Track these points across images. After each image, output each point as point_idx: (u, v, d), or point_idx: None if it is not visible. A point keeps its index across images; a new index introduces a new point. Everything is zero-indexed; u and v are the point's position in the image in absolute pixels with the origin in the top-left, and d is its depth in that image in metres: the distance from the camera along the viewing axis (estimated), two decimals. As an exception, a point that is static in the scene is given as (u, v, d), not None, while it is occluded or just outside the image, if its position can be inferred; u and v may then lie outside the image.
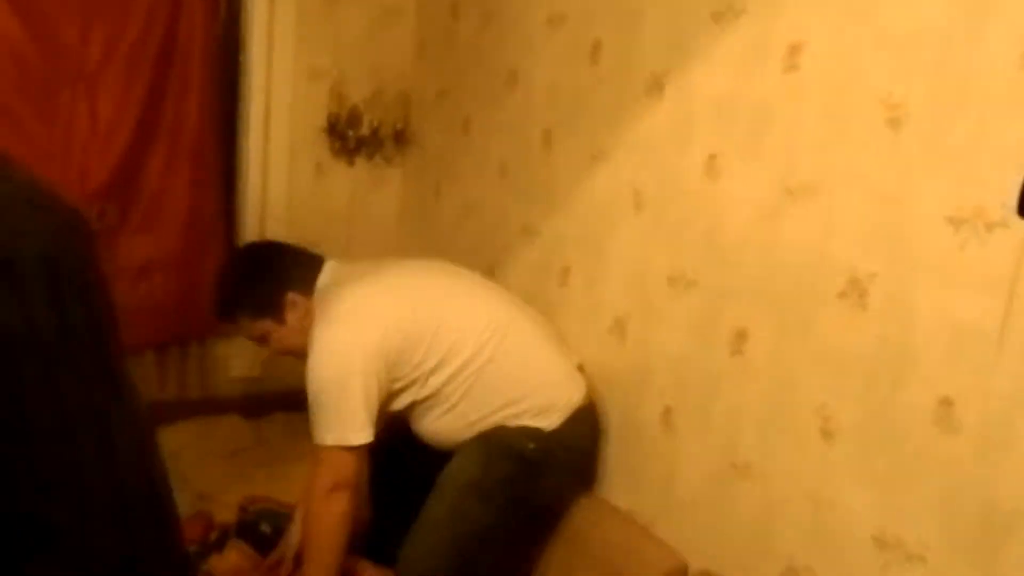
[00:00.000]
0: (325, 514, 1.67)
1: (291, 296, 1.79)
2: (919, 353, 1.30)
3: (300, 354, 1.74)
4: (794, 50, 1.48)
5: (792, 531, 1.51)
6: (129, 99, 2.17)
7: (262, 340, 1.86)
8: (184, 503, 2.04)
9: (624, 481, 1.88)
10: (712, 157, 1.65)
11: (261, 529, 1.97)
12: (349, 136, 2.60)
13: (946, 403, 1.26)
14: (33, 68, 2.06)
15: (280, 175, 2.55)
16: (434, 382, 1.75)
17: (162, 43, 2.19)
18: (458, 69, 2.48)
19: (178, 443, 2.36)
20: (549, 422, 1.77)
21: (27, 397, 0.57)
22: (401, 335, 1.70)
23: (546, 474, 1.78)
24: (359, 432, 1.67)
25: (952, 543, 1.26)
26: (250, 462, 2.35)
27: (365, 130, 2.61)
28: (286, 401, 2.63)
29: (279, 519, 1.99)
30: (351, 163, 2.66)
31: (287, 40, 2.46)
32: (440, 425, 1.80)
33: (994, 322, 1.21)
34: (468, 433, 1.77)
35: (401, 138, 2.66)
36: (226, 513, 2.06)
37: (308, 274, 1.82)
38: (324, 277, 1.81)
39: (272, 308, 1.80)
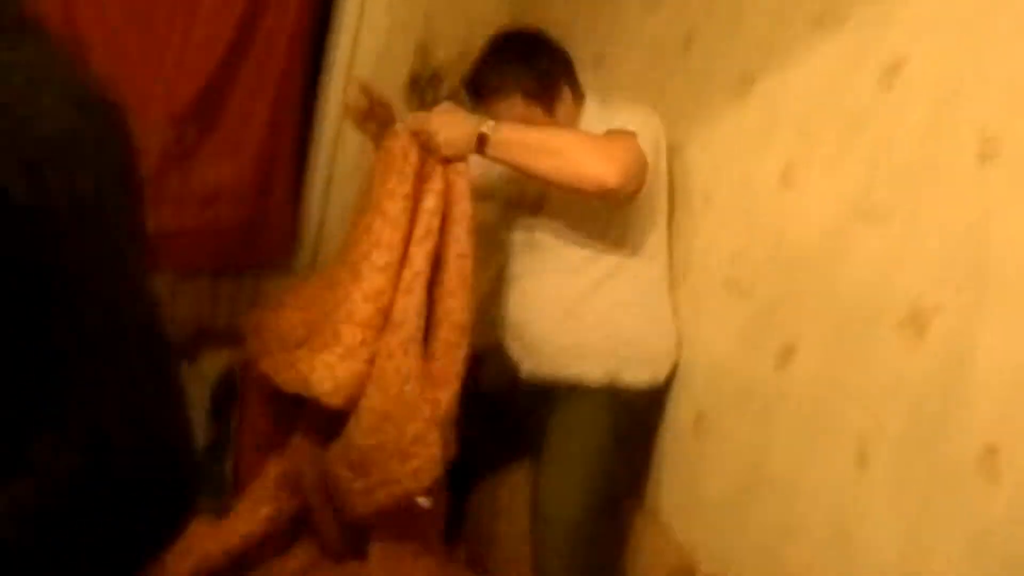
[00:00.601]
0: (592, 159, 1.55)
1: (566, 89, 1.75)
2: (973, 396, 1.26)
3: None
4: (894, 67, 1.43)
5: (809, 551, 1.49)
6: (224, 23, 2.20)
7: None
8: None
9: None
10: (789, 165, 1.62)
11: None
12: (428, 97, 2.61)
13: (991, 451, 1.22)
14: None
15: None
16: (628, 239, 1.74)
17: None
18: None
19: (222, 366, 2.43)
20: (660, 377, 1.77)
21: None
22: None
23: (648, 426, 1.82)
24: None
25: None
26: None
27: (445, 92, 2.61)
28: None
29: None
30: (426, 122, 2.67)
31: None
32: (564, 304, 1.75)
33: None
34: (578, 346, 1.74)
35: (476, 111, 2.66)
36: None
37: (576, 78, 1.79)
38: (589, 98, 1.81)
39: (547, 95, 1.72)
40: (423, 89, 2.59)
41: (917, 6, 1.41)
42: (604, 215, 1.70)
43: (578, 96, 1.78)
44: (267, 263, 2.55)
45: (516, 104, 1.69)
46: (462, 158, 1.63)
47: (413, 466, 1.63)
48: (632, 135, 1.60)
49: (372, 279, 1.62)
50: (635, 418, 1.77)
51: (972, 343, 1.26)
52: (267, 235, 2.48)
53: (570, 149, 1.55)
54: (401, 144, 1.65)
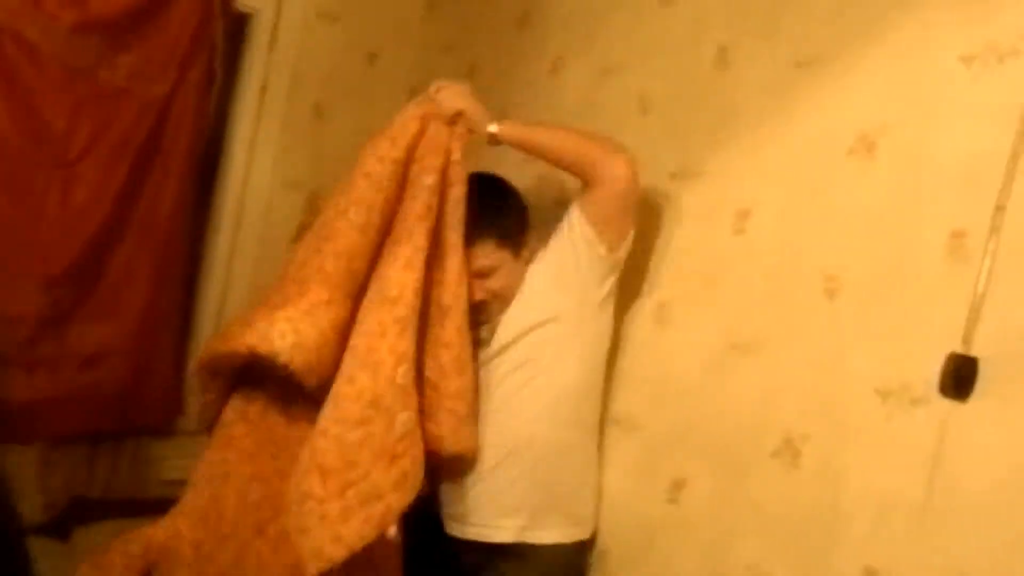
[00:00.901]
0: (594, 143, 1.61)
1: (529, 235, 1.74)
2: (848, 519, 1.32)
3: (508, 299, 1.67)
4: (742, 215, 1.57)
5: None
6: (104, 190, 2.19)
7: (486, 274, 1.66)
8: None
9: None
10: (662, 305, 1.71)
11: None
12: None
13: (871, 573, 1.28)
14: (13, 151, 2.09)
15: (242, 280, 2.56)
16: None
17: (146, 141, 2.24)
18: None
19: (96, 543, 2.26)
20: (585, 533, 1.72)
21: None
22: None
23: None
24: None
25: None
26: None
27: (335, 242, 2.66)
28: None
29: None
30: (317, 272, 2.69)
31: (269, 149, 2.54)
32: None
33: (918, 494, 1.25)
34: (514, 507, 1.63)
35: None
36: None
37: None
38: None
39: (515, 241, 1.69)
40: (312, 241, 2.62)
41: (759, 160, 1.57)
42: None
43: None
44: (150, 426, 2.43)
45: (488, 247, 1.65)
46: (467, 125, 1.62)
47: (398, 471, 1.42)
48: None
49: (348, 236, 1.51)
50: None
51: (841, 468, 1.35)
52: (150, 396, 2.38)
53: (582, 133, 1.64)
54: (405, 115, 1.64)
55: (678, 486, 1.61)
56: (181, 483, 2.54)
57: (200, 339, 2.54)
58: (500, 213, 1.69)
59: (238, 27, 2.46)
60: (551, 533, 1.65)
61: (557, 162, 1.65)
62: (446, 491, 1.70)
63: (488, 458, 1.63)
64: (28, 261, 2.13)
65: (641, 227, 1.79)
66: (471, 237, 1.62)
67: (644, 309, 1.75)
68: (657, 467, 1.66)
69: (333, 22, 2.61)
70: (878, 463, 1.29)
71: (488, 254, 1.64)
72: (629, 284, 1.79)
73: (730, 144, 1.63)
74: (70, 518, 2.30)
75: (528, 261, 1.71)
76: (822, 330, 1.40)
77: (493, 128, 1.62)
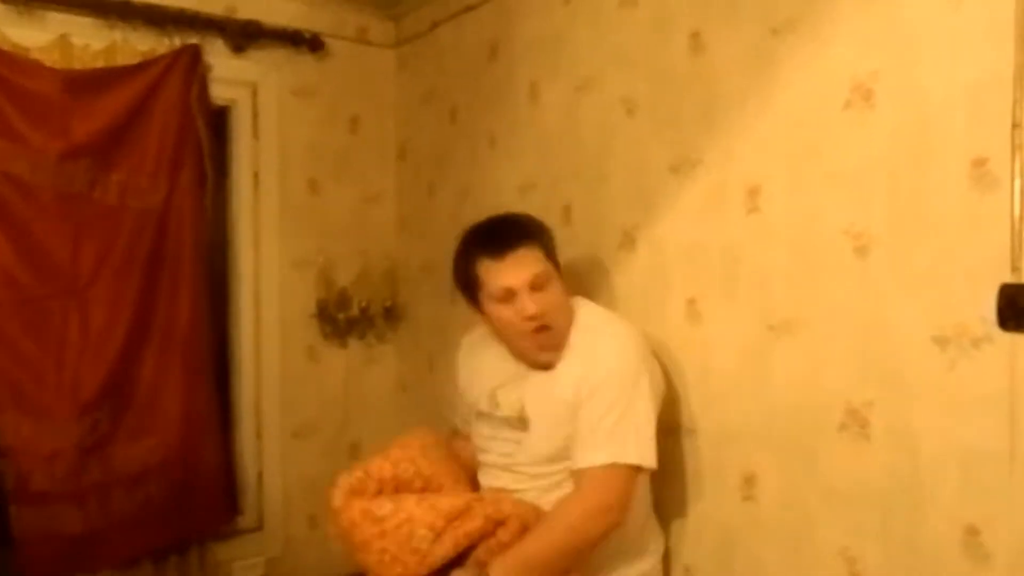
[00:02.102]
0: (584, 529, 1.45)
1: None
2: (933, 481, 1.25)
3: (557, 324, 1.55)
4: (753, 192, 1.53)
5: None
6: (120, 307, 2.21)
7: (540, 284, 1.54)
8: None
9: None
10: (691, 302, 1.66)
11: None
12: (339, 319, 2.63)
13: (972, 532, 1.20)
14: (25, 289, 2.11)
15: (272, 364, 2.56)
16: None
17: (151, 251, 2.26)
18: (439, 241, 2.55)
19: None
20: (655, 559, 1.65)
21: None
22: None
23: None
24: (648, 451, 1.48)
25: None
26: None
27: (355, 311, 2.65)
28: (294, 599, 2.53)
29: None
30: (343, 344, 2.68)
31: (272, 233, 2.54)
32: None
33: (1002, 442, 1.17)
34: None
35: (391, 314, 2.70)
36: None
37: None
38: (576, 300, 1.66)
39: (555, 259, 1.61)
40: (333, 314, 2.62)
41: (756, 135, 1.53)
42: None
43: None
44: (210, 531, 2.41)
45: (538, 254, 1.56)
46: None
47: None
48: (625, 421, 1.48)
49: None
50: None
51: (913, 430, 1.27)
52: (204, 502, 2.36)
53: (571, 532, 1.46)
54: None
55: (750, 482, 1.54)
56: (253, 582, 2.53)
57: (242, 433, 2.52)
58: (539, 230, 1.61)
59: (220, 121, 2.49)
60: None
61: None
62: None
63: None
64: (58, 393, 2.13)
65: (653, 228, 1.75)
66: (523, 245, 1.55)
67: (674, 310, 1.70)
68: (723, 467, 1.60)
69: (310, 96, 2.63)
70: (952, 416, 1.22)
71: (538, 261, 1.55)
72: (654, 289, 1.75)
73: (724, 125, 1.59)
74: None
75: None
76: (860, 290, 1.34)
77: None
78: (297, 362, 2.60)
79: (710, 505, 1.63)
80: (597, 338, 1.55)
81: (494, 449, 1.65)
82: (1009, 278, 1.14)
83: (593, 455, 1.46)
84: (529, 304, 1.51)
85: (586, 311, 1.62)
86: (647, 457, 1.47)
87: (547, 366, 1.57)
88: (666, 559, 1.68)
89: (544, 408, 1.56)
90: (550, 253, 1.60)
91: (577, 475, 1.48)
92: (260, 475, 2.55)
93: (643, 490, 1.59)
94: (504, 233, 1.57)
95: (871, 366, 1.33)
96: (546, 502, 1.54)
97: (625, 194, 1.83)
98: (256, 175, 2.52)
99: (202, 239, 2.37)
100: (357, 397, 2.71)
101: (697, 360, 1.65)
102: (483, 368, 1.70)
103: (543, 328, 1.53)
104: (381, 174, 2.77)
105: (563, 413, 1.52)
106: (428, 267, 2.62)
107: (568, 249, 1.99)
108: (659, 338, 1.74)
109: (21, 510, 2.09)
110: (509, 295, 1.52)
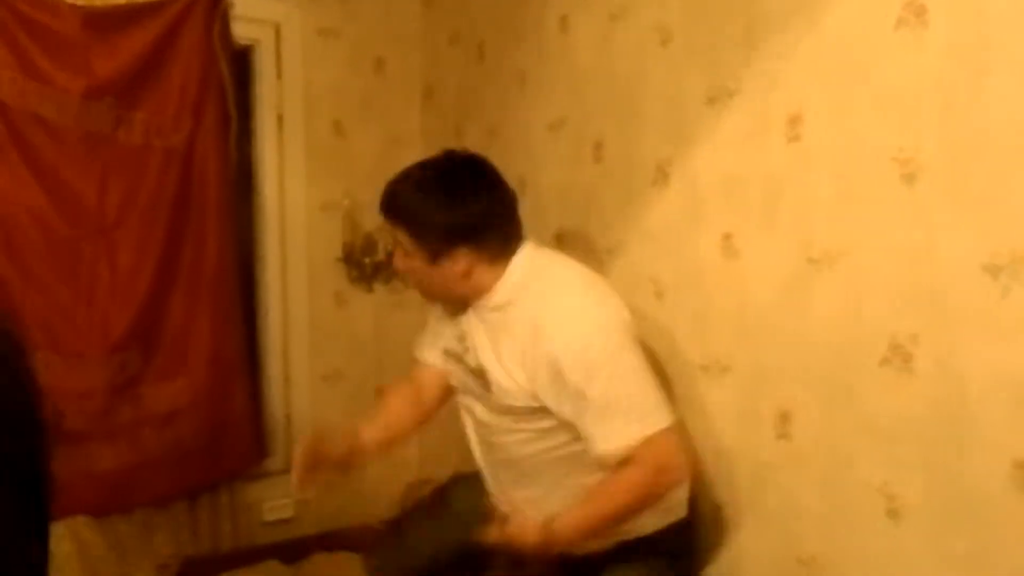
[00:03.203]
0: (646, 494, 1.40)
1: (463, 250, 1.44)
2: (980, 414, 1.20)
3: (424, 290, 1.55)
4: (794, 121, 1.46)
5: (874, 628, 1.37)
6: (148, 248, 2.20)
7: (401, 259, 1.52)
8: None
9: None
10: (727, 236, 1.61)
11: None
12: (366, 263, 2.61)
13: (1020, 466, 1.16)
14: (55, 231, 2.11)
15: (300, 308, 2.55)
16: None
17: (177, 192, 2.25)
18: (466, 185, 2.51)
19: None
20: (681, 512, 1.59)
21: None
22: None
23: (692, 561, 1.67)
24: (661, 410, 1.40)
25: (1056, 624, 1.13)
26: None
27: (381, 255, 2.62)
28: (325, 542, 2.55)
29: None
30: (370, 289, 2.67)
31: (298, 176, 2.52)
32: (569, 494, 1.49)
33: (1055, 371, 1.12)
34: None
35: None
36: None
37: (499, 242, 1.48)
38: (521, 257, 1.49)
39: (432, 246, 1.45)
40: (359, 258, 2.60)
41: (798, 60, 1.46)
42: None
43: (497, 257, 1.48)
44: (240, 472, 2.43)
45: (399, 235, 1.49)
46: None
47: None
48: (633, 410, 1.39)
49: None
50: (670, 556, 1.59)
51: (961, 362, 1.22)
52: (233, 443, 2.38)
53: (631, 496, 1.41)
54: None
55: (785, 419, 1.51)
56: (281, 523, 2.56)
57: (270, 377, 2.53)
58: (415, 207, 1.46)
59: (243, 62, 2.45)
60: (645, 525, 1.53)
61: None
62: None
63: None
64: (88, 333, 2.14)
65: (688, 162, 1.70)
66: (389, 220, 1.51)
67: (710, 245, 1.65)
68: (758, 405, 1.56)
69: (335, 37, 2.58)
70: (1003, 346, 1.17)
71: (398, 240, 1.50)
72: (689, 223, 1.70)
73: (763, 51, 1.52)
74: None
75: (496, 264, 1.48)
76: (907, 218, 1.28)
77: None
78: (325, 306, 2.59)
79: (743, 443, 1.60)
80: (548, 313, 1.42)
81: (469, 391, 1.59)
82: (1070, 199, 1.08)
83: (625, 433, 1.37)
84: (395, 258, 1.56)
85: (556, 276, 1.49)
86: (663, 414, 1.41)
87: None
88: (697, 498, 1.65)
89: (499, 376, 1.48)
90: (422, 235, 1.45)
91: (615, 458, 1.39)
92: (288, 418, 2.57)
93: None
94: (388, 195, 1.51)
95: (917, 298, 1.28)
96: (535, 449, 1.51)
97: (659, 128, 1.77)
98: (280, 117, 2.49)
99: (227, 181, 2.35)
100: (384, 342, 2.70)
101: (733, 296, 1.61)
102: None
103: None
104: (407, 116, 2.72)
105: (516, 390, 1.45)
106: (455, 211, 2.58)
107: (600, 186, 1.96)
108: (692, 275, 1.70)
109: (55, 448, 2.12)
110: None
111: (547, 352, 1.39)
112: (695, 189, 1.68)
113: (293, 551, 2.49)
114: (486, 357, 1.50)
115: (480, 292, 1.49)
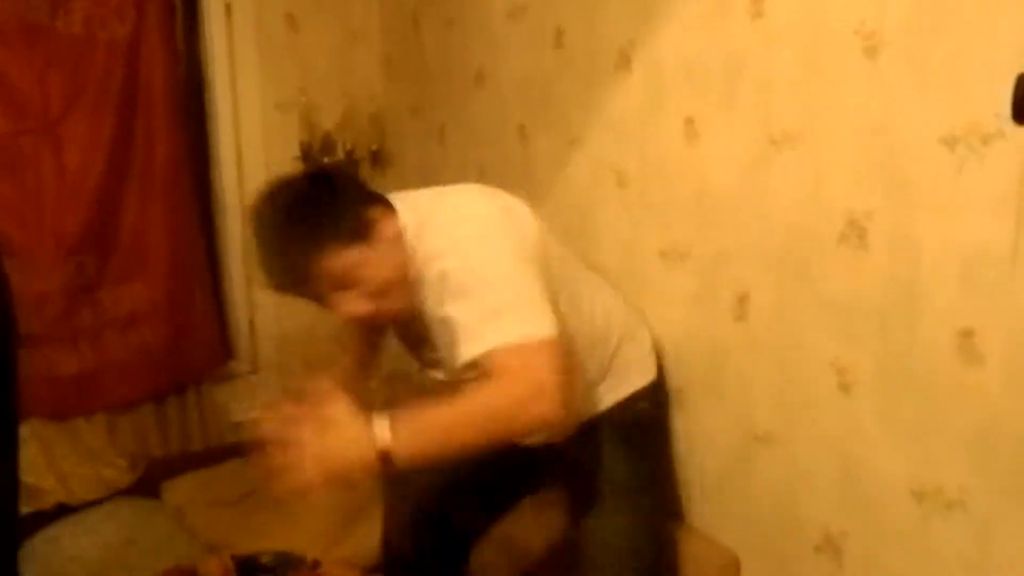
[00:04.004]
0: (508, 416, 1.16)
1: (372, 211, 1.29)
2: (931, 287, 1.22)
3: (399, 289, 1.31)
4: (757, -5, 1.43)
5: (823, 498, 1.43)
6: (95, 146, 2.13)
7: (348, 283, 1.27)
8: (193, 557, 1.97)
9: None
10: (689, 121, 1.59)
11: (262, 561, 1.87)
12: (324, 163, 2.55)
13: (966, 334, 1.19)
14: (-6, 125, 2.03)
15: (259, 209, 2.50)
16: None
17: (123, 87, 2.16)
18: (427, 80, 2.45)
19: (184, 495, 2.30)
20: (650, 374, 1.58)
21: None
22: (540, 250, 1.31)
23: (663, 424, 1.68)
24: (543, 322, 1.18)
25: (991, 482, 1.18)
26: (259, 505, 2.27)
27: (340, 155, 2.57)
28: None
29: (283, 557, 1.90)
30: (331, 190, 2.61)
31: (250, 73, 2.43)
32: None
33: (1005, 242, 1.14)
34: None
35: (377, 158, 2.62)
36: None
37: (375, 193, 1.35)
38: (401, 204, 1.35)
39: (358, 230, 1.27)
40: (318, 158, 2.54)
41: (762, -67, 1.41)
42: None
43: (388, 207, 1.34)
44: (205, 374, 2.43)
45: (337, 261, 1.24)
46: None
47: None
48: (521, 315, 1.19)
49: None
50: (646, 425, 1.58)
51: (915, 236, 1.24)
52: (196, 345, 2.37)
53: (488, 408, 1.17)
54: None
55: (742, 301, 1.53)
56: (250, 424, 2.58)
57: (231, 280, 2.50)
58: (316, 223, 1.25)
59: (185, -53, 2.32)
60: (615, 395, 1.54)
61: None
62: None
63: None
64: (39, 234, 2.09)
65: (650, 45, 1.66)
66: (310, 275, 1.24)
67: (670, 131, 1.63)
68: (716, 289, 1.58)
69: (283, -78, 2.44)
70: (955, 219, 1.18)
71: (334, 268, 1.25)
72: (652, 110, 1.67)
73: (728, -75, 1.47)
74: (154, 478, 2.34)
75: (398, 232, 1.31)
76: (869, 94, 1.27)
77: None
78: (284, 207, 2.54)
79: (701, 327, 1.62)
80: (451, 243, 1.28)
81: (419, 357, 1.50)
82: (1028, 67, 1.07)
83: (496, 336, 1.17)
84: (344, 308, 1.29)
85: (453, 212, 1.34)
86: (547, 323, 1.19)
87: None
88: (656, 383, 1.68)
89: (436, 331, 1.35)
90: (344, 232, 1.25)
91: (482, 364, 1.18)
92: (252, 321, 2.55)
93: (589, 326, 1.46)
94: (278, 270, 1.26)
95: (875, 174, 1.28)
96: None
97: (621, 10, 1.72)
98: (228, 7, 2.37)
99: (176, 76, 2.26)
100: (347, 243, 2.67)
101: (694, 182, 1.60)
102: None
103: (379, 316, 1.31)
104: (363, 9, 2.61)
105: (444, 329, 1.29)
106: (416, 109, 2.52)
107: (561, 75, 1.91)
108: (654, 162, 1.68)
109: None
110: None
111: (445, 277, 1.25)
112: (658, 73, 1.65)
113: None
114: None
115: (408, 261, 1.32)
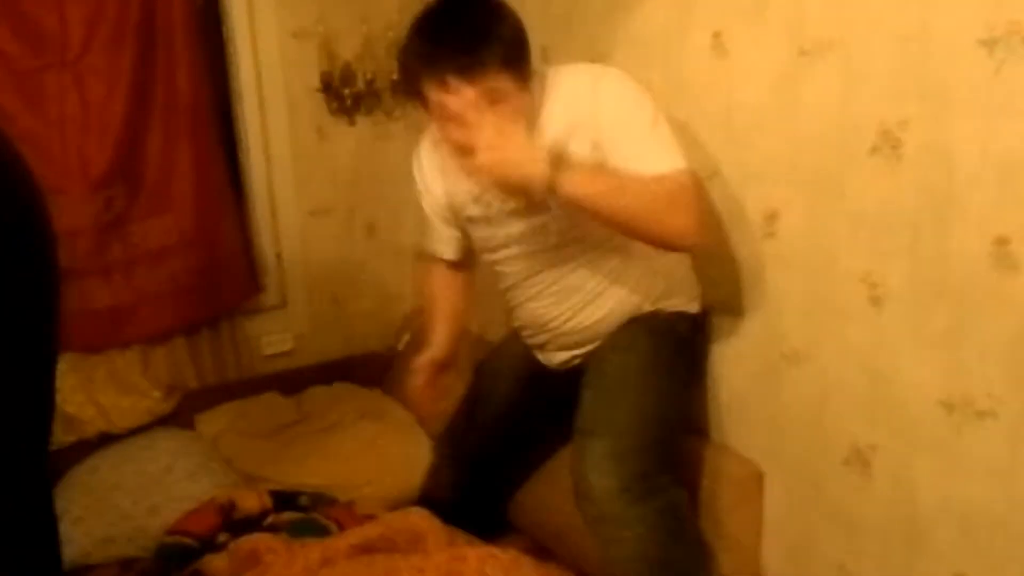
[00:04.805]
0: (663, 215, 1.31)
1: (530, 54, 1.41)
2: (965, 195, 1.20)
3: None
4: (789, -102, 1.37)
5: (852, 411, 1.43)
6: (117, 80, 2.12)
7: (493, 103, 1.32)
8: (228, 486, 2.03)
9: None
10: (716, 35, 1.55)
11: (300, 502, 1.92)
12: (345, 94, 2.53)
13: (1001, 242, 1.17)
14: (16, 61, 2.02)
15: (282, 142, 2.49)
16: None
17: (141, 20, 2.13)
18: (446, 5, 2.40)
19: (219, 426, 2.36)
20: (693, 307, 1.63)
21: None
22: None
23: (695, 358, 1.69)
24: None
25: (1023, 391, 1.18)
26: (293, 438, 2.33)
27: (360, 85, 2.54)
28: (322, 374, 2.62)
29: (317, 497, 1.95)
30: (352, 122, 2.59)
31: (267, 2, 2.39)
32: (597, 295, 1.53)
33: (1039, 145, 1.11)
34: (614, 317, 1.55)
35: (398, 89, 2.59)
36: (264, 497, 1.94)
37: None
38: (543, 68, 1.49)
39: (520, 67, 1.37)
40: (339, 89, 2.51)
41: None
42: None
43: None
44: (236, 305, 2.46)
45: (494, 79, 1.31)
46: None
47: None
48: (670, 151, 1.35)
49: None
50: (679, 343, 1.58)
51: (949, 144, 1.21)
52: (227, 277, 2.39)
53: (648, 196, 1.31)
54: None
55: (771, 219, 1.51)
56: (282, 356, 2.63)
57: (258, 212, 2.51)
58: (502, 35, 1.35)
59: None
60: (659, 304, 1.58)
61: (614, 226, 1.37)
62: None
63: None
64: (66, 169, 2.10)
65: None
66: (477, 76, 1.31)
67: (697, 46, 1.60)
68: (744, 207, 1.56)
69: None
70: (994, 122, 1.14)
71: (501, 91, 1.33)
72: (678, 25, 1.63)
73: None
74: (189, 408, 2.39)
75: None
76: (900, 6, 1.23)
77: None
78: (307, 139, 2.54)
79: (729, 246, 1.61)
80: (579, 80, 1.42)
81: (510, 244, 1.54)
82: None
83: (657, 161, 1.32)
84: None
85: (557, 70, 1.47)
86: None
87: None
88: (698, 317, 1.66)
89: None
90: (509, 60, 1.34)
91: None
92: (279, 255, 2.57)
93: None
94: (449, 56, 1.31)
95: (909, 81, 1.24)
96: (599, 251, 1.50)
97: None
98: (245, -66, 2.33)
99: (193, 6, 2.23)
100: (370, 175, 2.66)
101: (721, 98, 1.57)
102: (455, 172, 1.51)
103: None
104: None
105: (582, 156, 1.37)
106: (435, 35, 2.47)
107: (584, -7, 1.86)
108: (681, 80, 1.65)
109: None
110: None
111: (601, 99, 1.38)
112: (684, -15, 1.60)
113: (292, 383, 2.57)
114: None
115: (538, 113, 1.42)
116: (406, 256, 2.74)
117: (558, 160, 1.25)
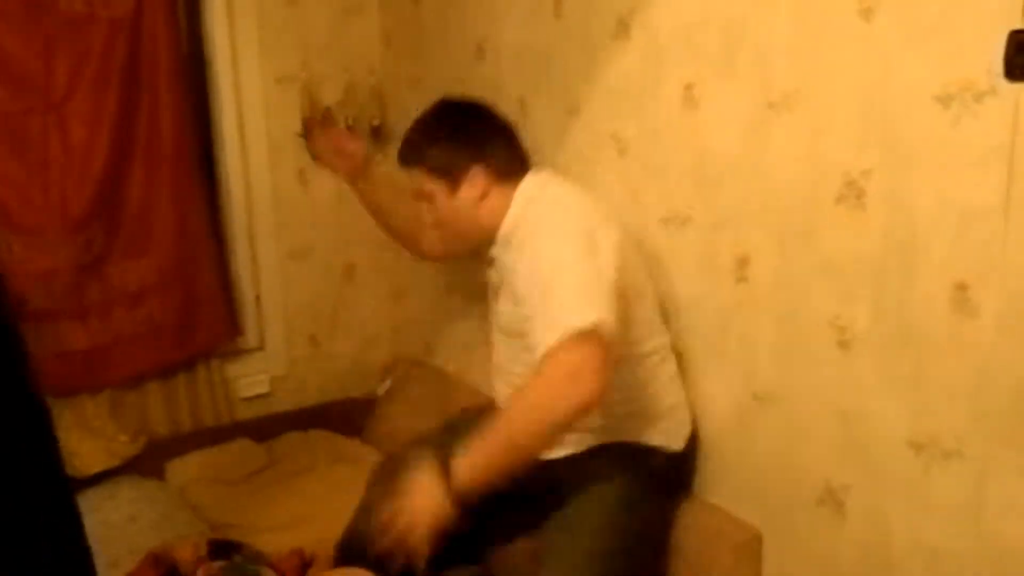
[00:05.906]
0: (549, 405, 1.28)
1: (476, 169, 1.57)
2: (926, 243, 1.25)
3: (453, 235, 1.65)
4: (755, -40, 1.44)
5: (824, 453, 1.46)
6: (100, 122, 2.14)
7: (425, 199, 1.62)
8: (194, 536, 1.96)
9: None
10: (688, 87, 1.61)
11: (234, 559, 1.86)
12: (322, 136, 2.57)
13: (961, 288, 1.22)
14: (1, 105, 2.04)
15: (263, 186, 2.52)
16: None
17: (126, 64, 2.17)
18: (427, 53, 2.46)
19: (189, 474, 2.33)
20: (676, 444, 1.63)
21: None
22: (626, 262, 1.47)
23: (670, 495, 1.67)
24: (596, 307, 1.29)
25: (987, 431, 1.21)
26: (262, 483, 2.31)
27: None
28: (299, 421, 2.61)
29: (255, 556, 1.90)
30: (333, 166, 2.63)
31: (251, 48, 2.43)
32: None
33: (998, 196, 1.17)
34: (590, 435, 1.57)
35: (379, 133, 2.63)
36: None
37: (505, 157, 1.60)
38: (529, 183, 1.59)
39: (449, 173, 1.58)
40: (317, 132, 2.55)
41: None
42: None
43: (506, 175, 1.59)
44: (214, 348, 2.46)
45: (418, 177, 1.61)
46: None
47: None
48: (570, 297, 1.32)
49: None
50: (653, 479, 1.58)
51: (910, 194, 1.27)
52: (205, 320, 2.39)
53: (532, 414, 1.31)
54: None
55: (743, 263, 1.55)
56: (259, 398, 2.62)
57: (238, 255, 2.52)
58: (427, 144, 1.62)
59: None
60: (632, 435, 1.61)
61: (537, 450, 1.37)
62: None
63: None
64: (47, 211, 2.11)
65: (648, 11, 1.67)
66: (405, 166, 1.66)
67: (669, 98, 1.65)
68: (717, 253, 1.61)
69: None
70: (951, 176, 1.21)
71: (420, 182, 1.62)
72: (651, 77, 1.69)
73: None
74: (159, 456, 2.36)
75: (506, 185, 1.58)
76: (864, 54, 1.29)
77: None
78: (288, 183, 2.57)
79: (703, 290, 1.65)
80: (527, 228, 1.52)
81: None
82: (1020, 24, 1.10)
83: (543, 338, 1.29)
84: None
85: (528, 198, 1.57)
86: (592, 314, 1.27)
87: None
88: (678, 456, 1.66)
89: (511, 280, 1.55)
90: (437, 168, 1.59)
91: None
92: (258, 297, 2.58)
93: (648, 348, 1.58)
94: (403, 143, 1.67)
95: (871, 133, 1.30)
96: None
97: (619, -21, 1.74)
98: (229, -16, 2.38)
99: (178, 53, 2.27)
100: (352, 218, 2.67)
101: (694, 148, 1.62)
102: None
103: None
104: (367, -16, 2.62)
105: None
106: (416, 83, 2.53)
107: (560, 44, 1.93)
108: (653, 129, 1.71)
109: (23, 328, 2.12)
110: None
111: (525, 245, 1.49)
112: (656, 40, 1.67)
113: (267, 429, 2.54)
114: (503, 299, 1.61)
115: (497, 220, 1.58)
116: (385, 300, 2.76)
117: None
